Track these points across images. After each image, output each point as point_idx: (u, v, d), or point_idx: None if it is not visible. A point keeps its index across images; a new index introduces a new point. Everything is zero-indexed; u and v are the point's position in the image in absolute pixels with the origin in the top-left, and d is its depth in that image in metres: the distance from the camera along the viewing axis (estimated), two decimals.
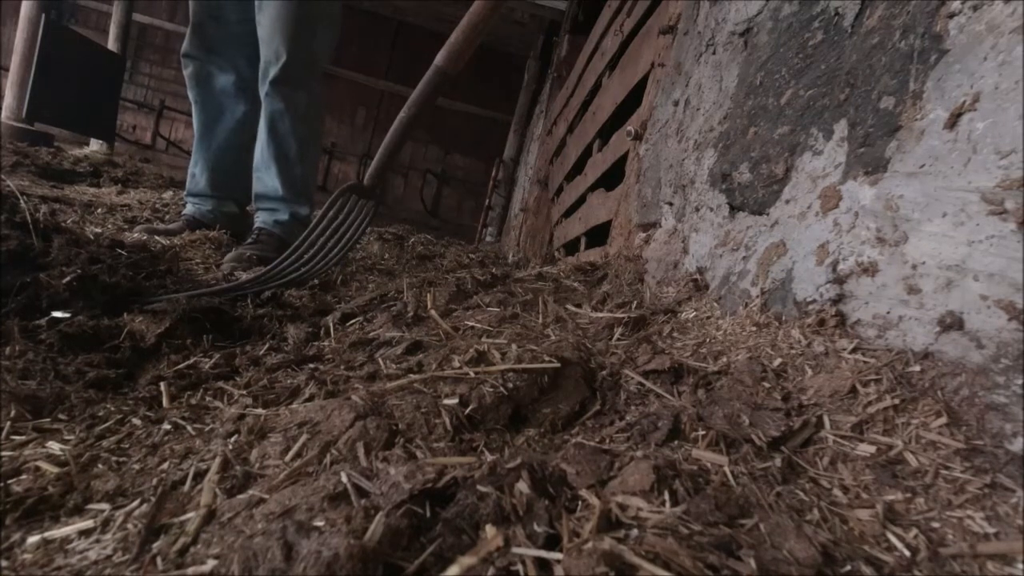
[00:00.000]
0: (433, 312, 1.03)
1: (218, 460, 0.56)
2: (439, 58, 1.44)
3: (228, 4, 1.95)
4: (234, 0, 1.94)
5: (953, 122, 0.63)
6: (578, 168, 2.76)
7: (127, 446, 0.63)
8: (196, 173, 2.11)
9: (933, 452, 0.54)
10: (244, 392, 0.78)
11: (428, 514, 0.44)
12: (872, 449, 0.56)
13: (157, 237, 1.83)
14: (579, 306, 1.15)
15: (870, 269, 0.69)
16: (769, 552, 0.43)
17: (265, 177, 1.94)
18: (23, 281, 0.94)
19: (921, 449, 0.54)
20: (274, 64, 1.83)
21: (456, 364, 0.76)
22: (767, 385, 0.68)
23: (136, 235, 1.81)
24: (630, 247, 1.50)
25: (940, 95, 0.65)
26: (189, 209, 2.12)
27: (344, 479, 0.48)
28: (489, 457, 0.57)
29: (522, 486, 0.47)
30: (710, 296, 1.00)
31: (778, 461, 0.56)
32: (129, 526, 0.48)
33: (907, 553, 0.45)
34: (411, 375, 0.75)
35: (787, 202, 0.88)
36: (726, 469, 0.55)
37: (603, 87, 2.55)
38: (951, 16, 0.66)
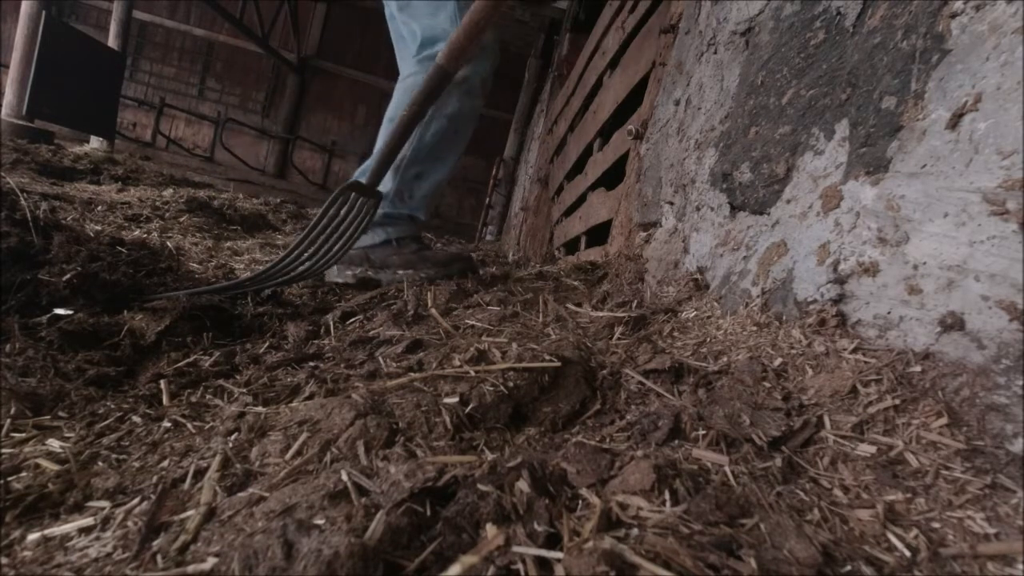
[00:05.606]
0: (433, 310, 1.03)
1: (218, 458, 0.56)
2: (440, 56, 1.43)
3: None
4: None
5: (955, 122, 0.63)
6: (579, 167, 2.75)
7: (127, 444, 0.63)
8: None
9: (934, 452, 0.54)
10: (244, 390, 0.78)
11: (428, 513, 0.44)
12: (872, 449, 0.56)
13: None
14: (579, 305, 1.15)
15: (871, 269, 0.69)
16: (769, 552, 0.43)
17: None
18: (23, 278, 0.94)
19: (922, 449, 0.54)
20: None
21: (456, 363, 0.76)
22: (767, 385, 0.68)
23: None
24: (631, 246, 1.49)
25: (942, 95, 0.65)
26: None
27: (344, 477, 0.48)
28: (489, 456, 0.57)
29: (522, 485, 0.47)
30: (711, 296, 0.99)
31: (778, 461, 0.56)
32: (129, 524, 0.48)
33: (907, 553, 0.45)
34: (411, 373, 0.75)
35: (788, 202, 0.88)
36: (726, 469, 0.54)
37: (604, 86, 2.55)
38: (953, 16, 0.65)
